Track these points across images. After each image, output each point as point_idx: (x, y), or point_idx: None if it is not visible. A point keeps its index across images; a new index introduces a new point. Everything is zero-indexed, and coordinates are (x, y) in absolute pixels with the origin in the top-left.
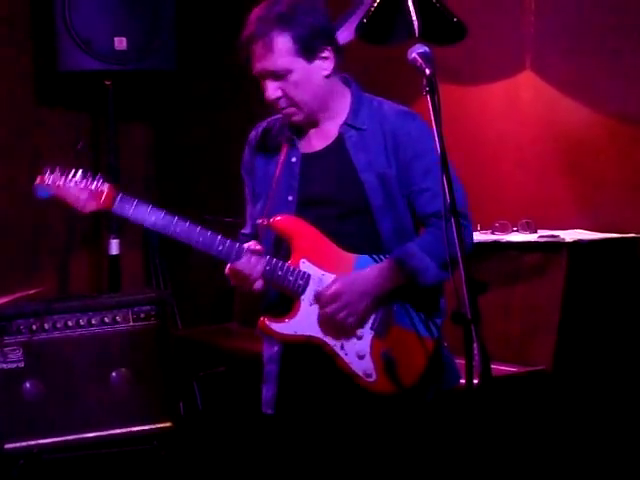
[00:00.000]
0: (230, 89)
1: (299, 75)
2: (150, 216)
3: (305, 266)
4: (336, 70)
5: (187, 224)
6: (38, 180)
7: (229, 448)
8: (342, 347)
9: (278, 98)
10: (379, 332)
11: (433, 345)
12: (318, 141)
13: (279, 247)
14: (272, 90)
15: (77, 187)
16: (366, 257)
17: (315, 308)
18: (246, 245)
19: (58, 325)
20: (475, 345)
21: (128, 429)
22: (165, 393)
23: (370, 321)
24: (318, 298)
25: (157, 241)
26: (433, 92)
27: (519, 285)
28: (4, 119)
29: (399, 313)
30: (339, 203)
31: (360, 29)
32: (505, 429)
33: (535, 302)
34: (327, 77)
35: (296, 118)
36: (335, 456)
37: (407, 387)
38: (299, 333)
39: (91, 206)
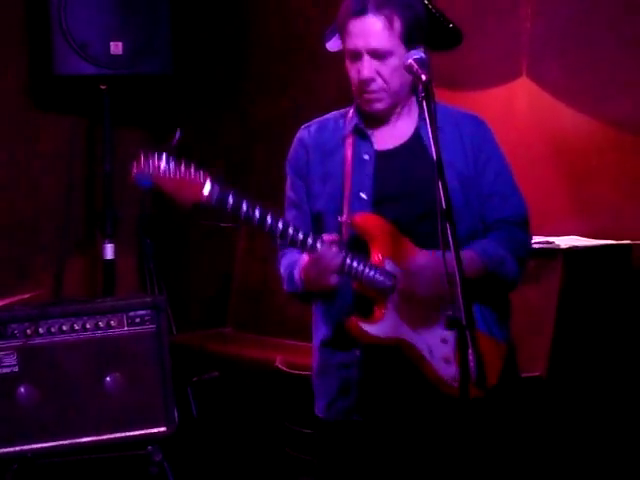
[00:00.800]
0: (227, 93)
1: (398, 60)
2: (248, 210)
3: (390, 266)
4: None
5: (278, 217)
6: (135, 168)
7: (224, 453)
8: (430, 351)
9: (372, 79)
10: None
11: (506, 348)
12: (392, 139)
13: (355, 246)
14: (369, 69)
15: (176, 178)
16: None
17: (403, 310)
18: (323, 236)
19: (53, 329)
20: (470, 351)
21: (122, 434)
22: (160, 398)
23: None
24: (406, 274)
25: (151, 245)
26: (429, 98)
27: (514, 291)
28: None
29: (476, 317)
30: (419, 202)
31: None
32: (500, 435)
33: (530, 308)
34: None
35: (379, 105)
36: (421, 462)
37: (490, 390)
38: (390, 336)
39: (189, 198)
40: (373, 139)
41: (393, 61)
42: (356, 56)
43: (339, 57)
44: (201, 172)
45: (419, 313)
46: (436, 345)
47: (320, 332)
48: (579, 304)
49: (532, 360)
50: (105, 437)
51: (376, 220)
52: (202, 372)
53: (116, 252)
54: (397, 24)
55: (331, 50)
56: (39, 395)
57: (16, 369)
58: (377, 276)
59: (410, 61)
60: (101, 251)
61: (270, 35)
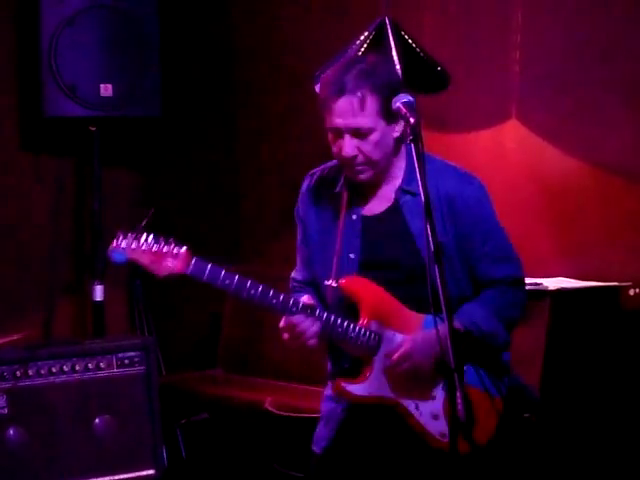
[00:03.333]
0: (215, 135)
1: (379, 135)
2: (224, 280)
3: (376, 327)
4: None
5: (259, 287)
6: (113, 244)
7: None
8: (417, 407)
9: (355, 156)
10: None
11: (502, 404)
12: (377, 204)
13: (346, 305)
14: (350, 148)
15: (151, 251)
16: (432, 317)
17: (388, 369)
18: (300, 299)
19: (42, 371)
20: (458, 394)
21: (111, 477)
22: (149, 440)
23: (443, 381)
24: (389, 357)
25: (141, 286)
26: (417, 140)
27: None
28: None
29: (468, 372)
30: (404, 267)
31: None
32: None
33: (518, 349)
34: (395, 139)
35: (364, 176)
36: None
37: (480, 446)
38: (373, 394)
39: (166, 269)
40: (360, 202)
41: (374, 137)
42: (337, 134)
43: None
44: (175, 246)
45: (407, 373)
46: (424, 401)
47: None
48: (567, 345)
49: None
50: None
51: (362, 283)
52: (191, 414)
53: (106, 293)
54: (374, 102)
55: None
56: (28, 437)
57: (5, 411)
58: (360, 338)
59: (398, 104)
60: (91, 292)
61: (259, 77)
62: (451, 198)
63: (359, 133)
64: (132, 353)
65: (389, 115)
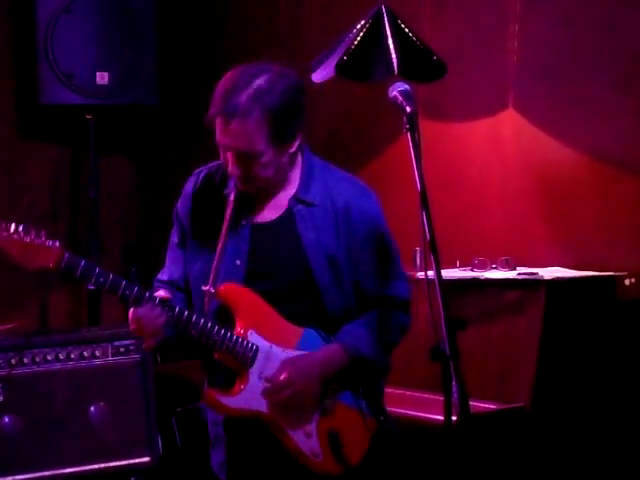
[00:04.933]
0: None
1: (268, 158)
2: (99, 277)
3: (253, 337)
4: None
5: (135, 287)
6: None
7: None
8: (292, 425)
9: (239, 175)
10: (324, 410)
11: (376, 424)
12: (269, 211)
13: (222, 313)
14: (234, 166)
15: (22, 241)
16: (312, 331)
17: (263, 383)
18: (156, 294)
19: (37, 359)
20: (454, 382)
21: (106, 464)
22: (144, 428)
23: (316, 401)
24: (269, 381)
25: (136, 275)
26: (413, 130)
27: (498, 322)
28: None
29: (346, 392)
30: (286, 280)
31: (340, 66)
32: (484, 467)
33: (514, 339)
34: (290, 154)
35: (249, 190)
36: None
37: (352, 467)
38: (248, 408)
39: (38, 262)
40: (252, 207)
41: (264, 159)
42: (225, 149)
43: (326, 88)
44: (48, 239)
45: (288, 399)
46: (297, 419)
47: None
48: (562, 335)
49: (516, 391)
50: (88, 467)
51: (241, 291)
52: (186, 402)
53: None
54: (265, 127)
55: (316, 81)
56: (23, 425)
57: (0, 399)
58: (237, 348)
59: (395, 93)
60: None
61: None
62: (347, 210)
63: (247, 156)
64: (127, 341)
65: (281, 139)
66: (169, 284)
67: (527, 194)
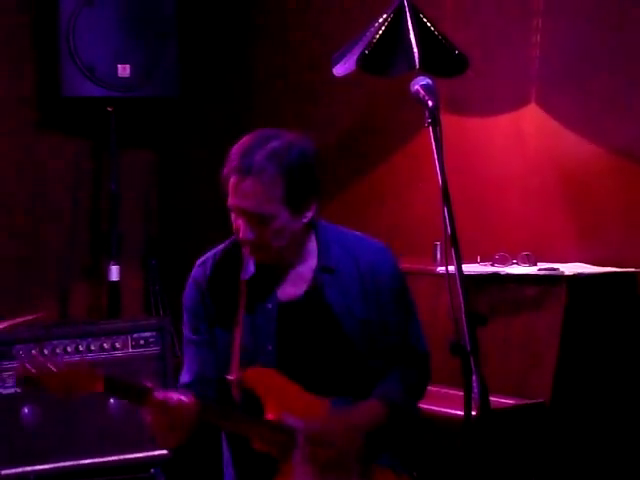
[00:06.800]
0: (234, 116)
1: (281, 224)
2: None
3: (290, 420)
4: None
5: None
6: (19, 371)
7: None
8: None
9: (250, 241)
10: (362, 473)
11: (409, 478)
12: (293, 287)
13: (246, 401)
14: (246, 231)
15: (61, 371)
16: (340, 399)
17: (310, 464)
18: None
19: (57, 351)
20: (474, 377)
21: (125, 456)
22: None
23: (354, 466)
24: (312, 445)
25: (157, 267)
26: (435, 124)
27: (518, 317)
28: (6, 143)
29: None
30: (321, 354)
31: (361, 60)
32: (503, 462)
33: (534, 335)
34: (303, 225)
35: (262, 259)
36: None
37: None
38: None
39: (81, 389)
40: (275, 285)
41: (276, 224)
42: (237, 213)
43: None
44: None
45: (329, 465)
46: None
47: (228, 473)
48: (583, 331)
49: (536, 387)
50: (108, 459)
51: (265, 373)
52: None
53: (121, 274)
54: (280, 188)
55: (337, 75)
56: (42, 416)
57: (20, 390)
58: (276, 434)
59: (417, 87)
60: (106, 273)
61: (278, 58)
62: (372, 270)
63: (260, 219)
64: (147, 333)
65: (295, 203)
66: (194, 385)
67: (549, 189)
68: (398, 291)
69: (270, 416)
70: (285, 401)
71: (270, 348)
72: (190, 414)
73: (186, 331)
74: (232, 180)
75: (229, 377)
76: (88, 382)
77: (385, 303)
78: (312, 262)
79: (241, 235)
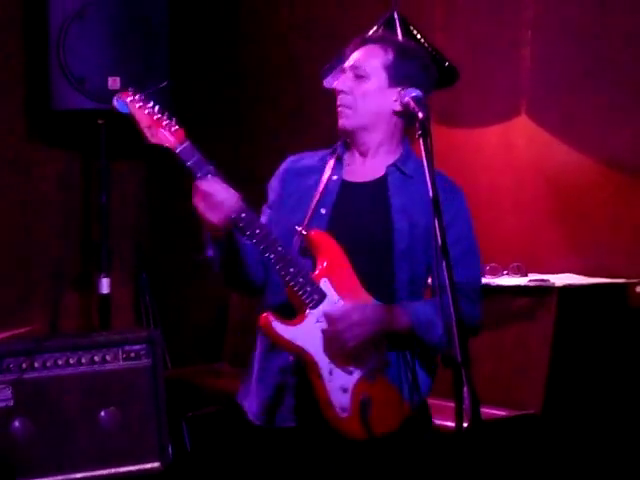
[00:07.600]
0: (225, 128)
1: (373, 85)
2: (205, 173)
3: (325, 285)
4: (404, 128)
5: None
6: (121, 94)
7: None
8: (330, 373)
9: (342, 91)
10: (367, 375)
11: (410, 411)
12: (364, 174)
13: (306, 257)
14: (343, 82)
15: (153, 116)
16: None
17: (319, 327)
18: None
19: (48, 364)
20: (465, 388)
21: (116, 469)
22: (154, 433)
23: (364, 361)
24: (327, 315)
25: (147, 279)
26: (426, 135)
27: (509, 328)
28: None
29: (391, 369)
30: (364, 237)
31: None
32: (495, 473)
33: (525, 346)
34: (394, 114)
35: (344, 121)
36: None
37: (374, 438)
38: (296, 343)
39: (159, 138)
40: (345, 167)
41: (369, 85)
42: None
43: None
44: (176, 124)
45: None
46: (340, 373)
47: (261, 337)
48: (574, 342)
49: (527, 398)
50: (99, 473)
51: (329, 241)
52: (197, 407)
53: (112, 286)
54: (387, 55)
55: (328, 87)
56: (34, 429)
57: (11, 403)
58: (306, 287)
59: (407, 99)
60: (97, 285)
61: (270, 68)
62: (447, 200)
63: (357, 73)
64: (138, 346)
65: (395, 74)
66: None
67: (539, 201)
68: (460, 226)
69: (314, 274)
70: (334, 272)
71: (324, 212)
72: (236, 200)
73: (263, 209)
74: (349, 54)
75: (298, 227)
76: (171, 134)
77: (444, 229)
78: (390, 159)
79: (336, 85)
